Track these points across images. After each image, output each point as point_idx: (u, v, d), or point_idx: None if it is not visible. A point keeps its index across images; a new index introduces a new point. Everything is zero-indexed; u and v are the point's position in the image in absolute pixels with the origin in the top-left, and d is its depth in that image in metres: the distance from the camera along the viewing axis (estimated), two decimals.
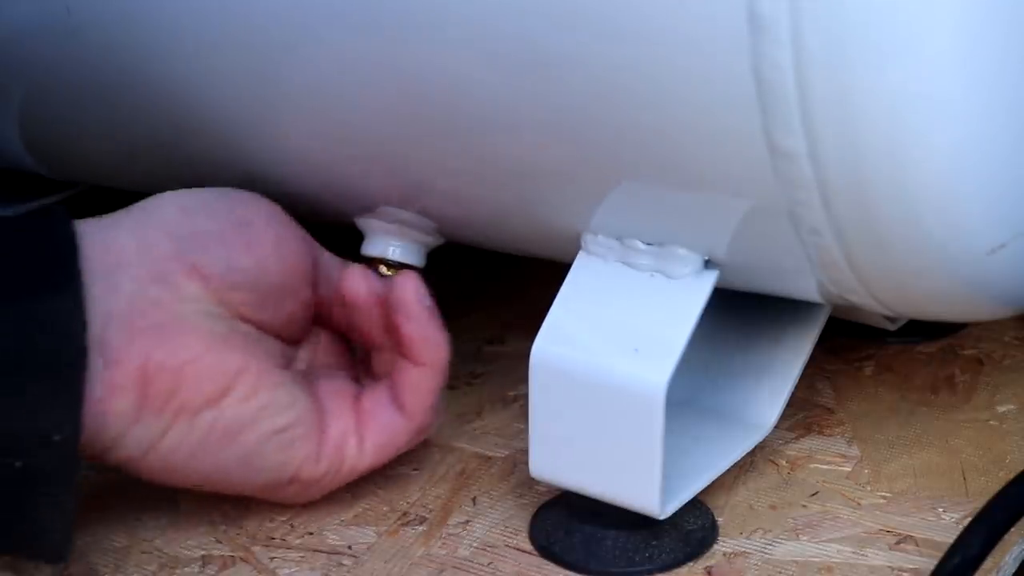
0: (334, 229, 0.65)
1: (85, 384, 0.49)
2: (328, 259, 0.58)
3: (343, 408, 0.57)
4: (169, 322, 0.52)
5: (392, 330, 0.57)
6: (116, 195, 0.75)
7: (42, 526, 0.50)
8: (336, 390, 0.57)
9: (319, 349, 0.59)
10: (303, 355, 0.59)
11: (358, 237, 0.63)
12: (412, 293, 0.56)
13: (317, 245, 0.58)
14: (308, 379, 0.57)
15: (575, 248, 0.55)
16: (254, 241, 0.55)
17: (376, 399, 0.57)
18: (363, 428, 0.57)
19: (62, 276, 0.50)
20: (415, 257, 0.62)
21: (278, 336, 0.56)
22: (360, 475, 0.57)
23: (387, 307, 0.57)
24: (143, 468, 0.53)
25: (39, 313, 0.49)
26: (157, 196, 0.56)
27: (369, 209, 0.61)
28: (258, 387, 0.53)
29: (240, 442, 0.53)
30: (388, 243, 0.62)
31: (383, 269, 0.62)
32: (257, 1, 0.56)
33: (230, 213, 0.55)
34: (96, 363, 0.50)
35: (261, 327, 0.55)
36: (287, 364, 0.57)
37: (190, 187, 0.61)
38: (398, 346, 0.57)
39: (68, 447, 0.48)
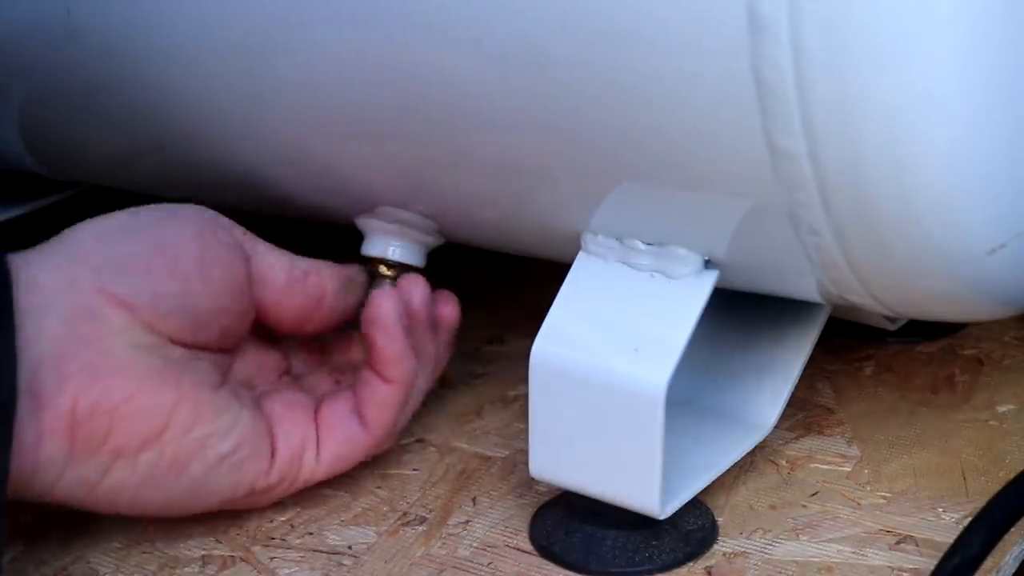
0: (334, 229, 0.65)
1: (14, 430, 0.48)
2: (263, 260, 0.56)
3: (299, 418, 0.56)
4: (99, 362, 0.50)
5: (366, 343, 0.56)
6: (116, 195, 0.75)
7: None
8: (289, 401, 0.57)
9: (263, 357, 0.59)
10: (241, 366, 0.58)
11: (358, 237, 0.63)
12: (390, 312, 0.56)
13: (252, 246, 0.56)
14: (249, 390, 0.57)
15: (575, 248, 0.55)
16: (176, 265, 0.53)
17: (337, 410, 0.57)
18: (322, 438, 0.56)
19: None
20: (415, 257, 0.62)
21: (211, 349, 0.55)
22: (315, 483, 0.57)
23: (362, 319, 0.56)
24: (90, 505, 0.52)
25: None
26: (72, 228, 0.54)
27: (369, 209, 0.61)
28: (196, 419, 0.52)
29: (188, 474, 0.53)
30: (388, 243, 0.62)
31: (383, 269, 0.62)
32: (255, 1, 0.56)
33: (148, 237, 0.54)
34: (25, 408, 0.48)
35: (194, 347, 0.54)
36: (223, 378, 0.55)
37: (190, 187, 0.61)
38: (369, 360, 0.56)
39: None
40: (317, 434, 0.56)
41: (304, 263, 0.58)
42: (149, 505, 0.53)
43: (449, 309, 0.60)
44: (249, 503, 0.56)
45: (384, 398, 0.56)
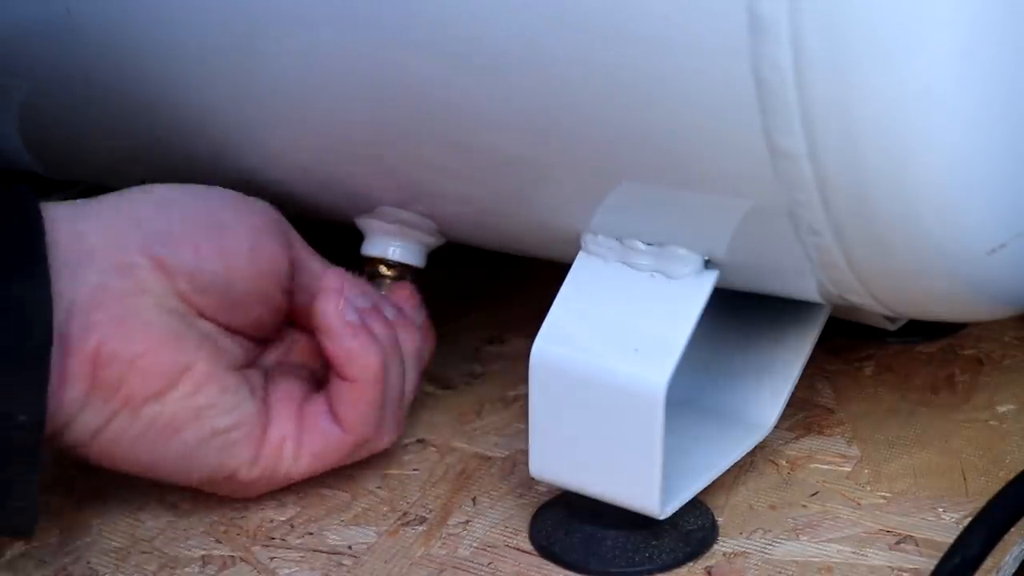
0: (334, 229, 0.65)
1: (48, 374, 0.50)
2: (311, 266, 0.58)
3: (287, 413, 0.56)
4: (126, 314, 0.52)
5: (321, 348, 0.57)
6: None
7: (11, 502, 0.50)
8: (285, 393, 0.57)
9: (295, 349, 0.59)
10: (273, 353, 0.59)
11: (358, 237, 0.63)
12: (330, 313, 0.56)
13: (302, 250, 0.58)
14: (266, 381, 0.57)
15: (575, 248, 0.55)
16: (227, 247, 0.55)
17: (316, 408, 0.57)
18: (302, 436, 0.57)
19: (29, 262, 0.50)
20: (415, 257, 0.62)
21: (244, 335, 0.56)
22: (296, 481, 0.57)
23: (312, 325, 0.57)
24: (88, 454, 0.54)
25: (6, 299, 0.49)
26: (137, 188, 0.56)
27: (369, 209, 0.61)
28: (202, 386, 0.54)
29: (179, 439, 0.54)
30: (388, 243, 0.62)
31: (383, 269, 0.62)
32: (255, 2, 0.56)
33: (207, 214, 0.55)
34: (55, 352, 0.50)
35: (225, 327, 0.55)
36: (249, 363, 0.57)
37: None
38: (327, 362, 0.57)
39: (34, 429, 0.49)
40: (298, 431, 0.57)
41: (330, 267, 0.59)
42: (139, 462, 0.54)
43: (405, 293, 0.61)
44: (228, 487, 0.56)
45: (350, 396, 0.56)
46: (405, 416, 0.59)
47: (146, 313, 0.53)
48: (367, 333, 0.56)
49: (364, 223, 0.62)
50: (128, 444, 0.53)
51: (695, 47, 0.45)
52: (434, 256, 0.63)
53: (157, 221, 0.54)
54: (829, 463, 0.59)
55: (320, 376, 0.59)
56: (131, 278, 0.53)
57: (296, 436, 0.56)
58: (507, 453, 0.61)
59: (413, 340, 0.59)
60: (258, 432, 0.55)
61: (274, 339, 0.59)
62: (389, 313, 0.59)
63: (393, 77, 0.53)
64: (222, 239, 0.55)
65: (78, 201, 0.54)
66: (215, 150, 0.63)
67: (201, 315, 0.54)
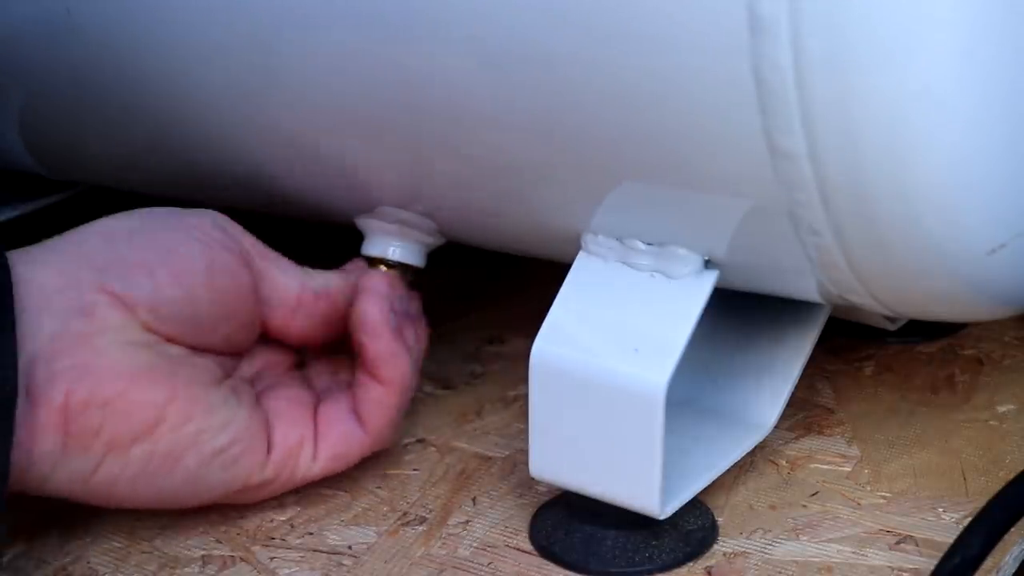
0: (334, 229, 0.65)
1: (14, 427, 0.48)
2: (272, 280, 0.57)
3: (299, 416, 0.56)
4: (91, 358, 0.51)
5: (356, 347, 0.57)
6: (116, 195, 0.75)
7: None
8: (292, 397, 0.57)
9: (269, 355, 0.59)
10: (248, 364, 0.58)
11: (358, 237, 0.63)
12: (375, 315, 0.56)
13: (261, 264, 0.56)
14: (253, 387, 0.57)
15: (575, 248, 0.55)
16: (182, 270, 0.53)
17: (336, 409, 0.57)
18: (320, 437, 0.56)
19: None
20: (415, 257, 0.62)
21: (216, 351, 0.55)
22: (312, 481, 0.57)
23: (350, 324, 0.57)
24: (86, 498, 0.53)
25: None
26: (82, 227, 0.54)
27: (369, 209, 0.61)
28: (190, 414, 0.53)
29: (182, 467, 0.53)
30: (388, 243, 0.62)
31: (383, 269, 0.62)
32: (256, 1, 0.56)
33: (157, 241, 0.54)
34: (20, 404, 0.49)
35: (195, 348, 0.54)
36: (225, 375, 0.56)
37: (190, 186, 0.61)
38: (362, 363, 0.57)
39: None
40: (315, 432, 0.56)
41: (315, 282, 0.58)
42: (144, 498, 0.54)
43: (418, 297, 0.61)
44: (245, 498, 0.56)
45: (380, 398, 0.56)
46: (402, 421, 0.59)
47: (111, 353, 0.51)
48: (403, 336, 0.56)
49: (364, 223, 0.62)
50: (127, 484, 0.52)
51: (695, 47, 0.45)
52: (434, 256, 0.63)
53: (107, 255, 0.53)
54: (829, 463, 0.59)
55: (311, 379, 0.59)
56: (90, 318, 0.51)
57: (314, 438, 0.56)
58: (507, 453, 0.61)
59: (420, 341, 0.59)
60: (259, 439, 0.55)
61: (245, 351, 0.58)
62: (413, 314, 0.59)
63: (394, 76, 0.53)
64: (176, 262, 0.53)
65: (31, 248, 0.53)
66: (215, 150, 0.63)
67: (169, 340, 0.53)
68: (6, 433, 0.48)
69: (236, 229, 0.56)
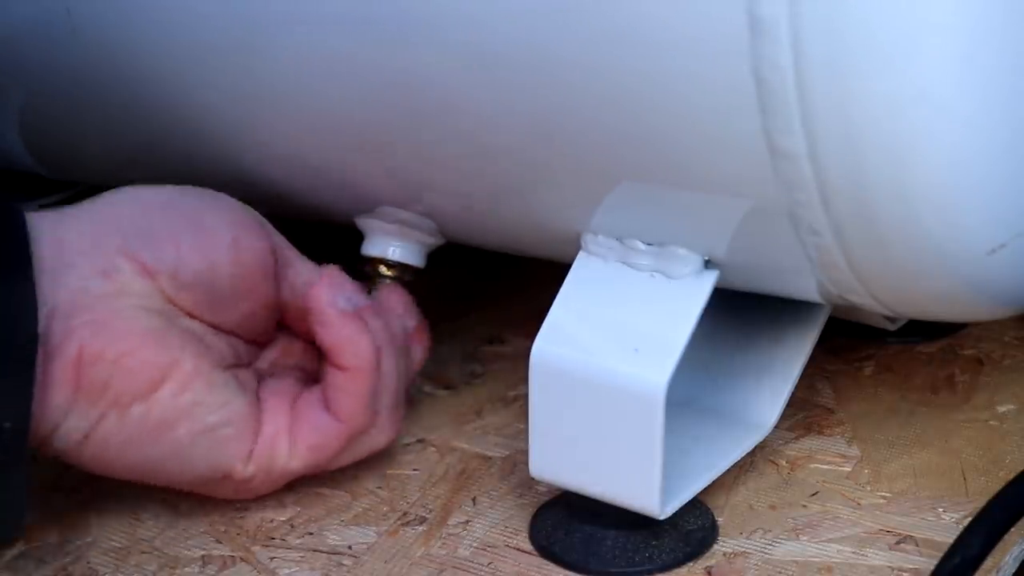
0: (334, 229, 0.65)
1: (35, 375, 0.50)
2: (295, 262, 0.58)
3: (280, 408, 0.56)
4: (107, 317, 0.52)
5: (314, 338, 0.57)
6: None
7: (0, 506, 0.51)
8: (278, 390, 0.57)
9: (290, 350, 0.59)
10: (268, 356, 0.59)
11: (358, 237, 0.63)
12: (324, 300, 0.56)
13: (287, 249, 0.57)
14: (259, 380, 0.57)
15: (575, 248, 0.55)
16: (208, 243, 0.55)
17: (309, 401, 0.57)
18: (296, 429, 0.56)
19: (13, 269, 0.50)
20: (415, 257, 0.62)
21: (235, 335, 0.56)
22: (294, 476, 0.57)
23: (306, 315, 0.57)
24: (77, 459, 0.53)
25: None
26: (115, 191, 0.56)
27: (369, 209, 0.61)
28: (189, 384, 0.53)
29: (170, 437, 0.53)
30: (388, 243, 0.62)
31: (383, 269, 0.62)
32: (255, 1, 0.56)
33: (186, 212, 0.55)
34: (40, 356, 0.50)
35: (213, 326, 0.55)
36: (240, 363, 0.56)
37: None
38: (323, 353, 0.57)
39: (19, 435, 0.49)
40: (291, 426, 0.56)
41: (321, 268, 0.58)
42: (130, 466, 0.54)
43: (397, 296, 0.61)
44: (226, 488, 0.56)
45: (344, 385, 0.56)
46: (402, 416, 0.59)
47: (128, 314, 0.53)
48: (359, 321, 0.56)
49: (364, 223, 0.62)
50: (119, 446, 0.53)
51: (695, 48, 0.45)
52: (434, 256, 0.63)
53: (136, 222, 0.54)
54: (829, 463, 0.59)
55: (315, 375, 0.59)
56: (112, 281, 0.53)
57: (289, 429, 0.56)
58: (507, 453, 0.61)
59: (405, 339, 0.59)
60: (251, 430, 0.55)
61: (268, 342, 0.59)
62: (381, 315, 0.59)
63: (394, 77, 0.53)
64: (202, 235, 0.55)
65: (60, 209, 0.54)
66: (215, 150, 0.63)
67: (187, 314, 0.54)
68: (28, 382, 0.49)
69: (263, 220, 0.58)
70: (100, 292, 0.52)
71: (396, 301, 0.61)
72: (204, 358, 0.54)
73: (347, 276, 0.58)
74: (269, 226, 0.57)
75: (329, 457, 0.57)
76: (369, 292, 0.60)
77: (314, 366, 0.60)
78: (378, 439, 0.58)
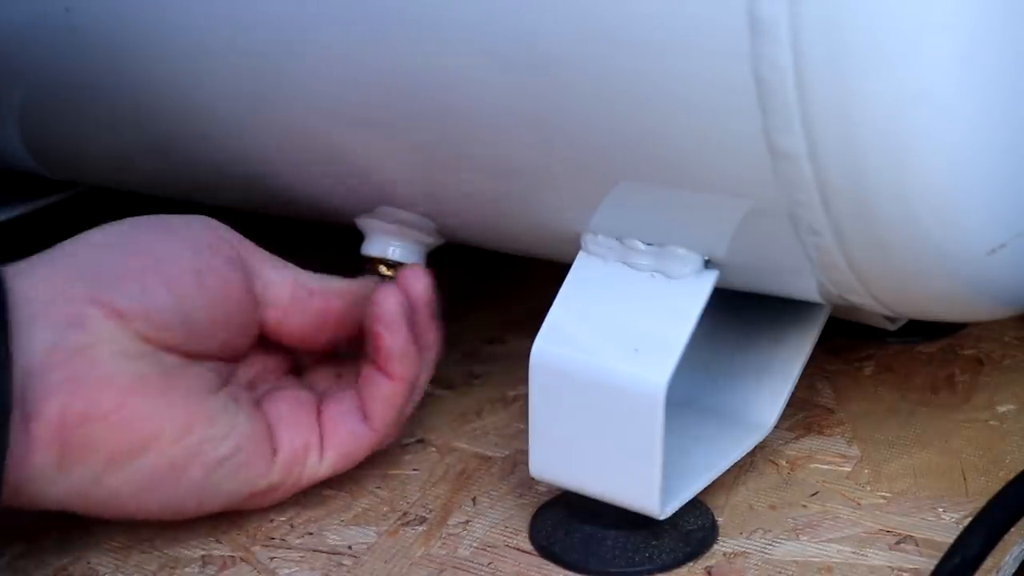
0: (334, 229, 0.65)
1: (8, 440, 0.48)
2: (266, 278, 0.56)
3: (303, 419, 0.56)
4: (86, 371, 0.50)
5: (370, 340, 0.56)
6: (116, 195, 0.75)
7: None
8: (293, 399, 0.57)
9: (269, 360, 0.59)
10: (245, 370, 0.58)
11: (358, 237, 0.63)
12: (395, 304, 0.56)
13: (255, 263, 0.56)
14: (252, 392, 0.57)
15: (575, 248, 0.55)
16: (173, 278, 0.53)
17: (341, 409, 0.57)
18: (326, 437, 0.56)
19: None
20: (415, 257, 0.62)
21: (213, 358, 0.55)
22: (319, 481, 0.57)
23: (367, 315, 0.56)
24: (88, 510, 0.52)
25: None
26: (71, 240, 0.54)
27: (369, 209, 0.61)
28: (190, 425, 0.52)
29: (187, 478, 0.53)
30: (388, 243, 0.62)
31: (383, 269, 0.62)
32: (257, 0, 0.56)
33: (145, 250, 0.54)
34: (15, 419, 0.48)
35: (191, 356, 0.54)
36: (224, 382, 0.55)
37: (190, 187, 0.61)
38: (374, 356, 0.56)
39: None
40: (321, 433, 0.56)
41: (311, 281, 0.57)
42: (150, 509, 0.53)
43: (421, 285, 0.59)
44: (253, 504, 0.56)
45: (389, 395, 0.56)
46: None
47: (106, 365, 0.51)
48: (417, 337, 0.56)
49: (364, 223, 0.62)
50: (131, 496, 0.52)
51: (695, 48, 0.45)
52: (434, 256, 0.63)
53: (97, 265, 0.53)
54: (829, 463, 0.59)
55: (304, 381, 0.59)
56: (84, 330, 0.51)
57: (320, 439, 0.56)
58: (507, 453, 0.61)
59: (434, 347, 0.59)
60: (263, 445, 0.55)
61: (242, 355, 0.58)
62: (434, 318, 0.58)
63: (393, 78, 0.53)
64: (165, 271, 0.53)
65: (20, 262, 0.52)
66: (215, 150, 0.63)
67: (164, 349, 0.52)
68: (1, 446, 0.48)
69: (226, 230, 0.56)
70: (74, 344, 0.50)
71: (427, 313, 0.59)
72: (194, 391, 0.53)
73: (426, 278, 0.57)
74: (234, 236, 0.56)
75: (355, 463, 0.57)
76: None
77: (294, 372, 0.60)
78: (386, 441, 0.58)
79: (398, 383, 0.56)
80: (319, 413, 0.57)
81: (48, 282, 0.51)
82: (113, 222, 0.55)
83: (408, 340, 0.56)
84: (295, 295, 0.57)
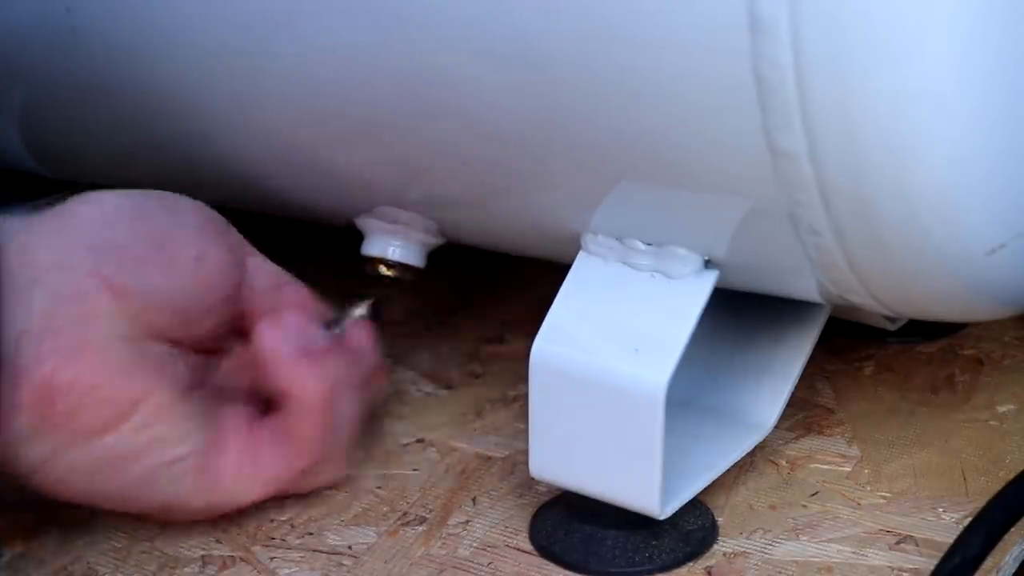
0: (334, 229, 0.65)
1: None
2: (261, 271, 0.57)
3: (236, 441, 0.55)
4: (79, 344, 0.51)
5: (264, 378, 0.56)
6: None
7: None
8: (233, 420, 0.56)
9: (239, 360, 0.58)
10: (220, 368, 0.58)
11: (358, 237, 0.63)
12: (271, 341, 0.55)
13: (250, 254, 0.57)
14: (217, 400, 0.56)
15: (575, 248, 0.55)
16: (174, 260, 0.53)
17: (265, 434, 0.56)
18: (251, 462, 0.55)
19: None
20: (415, 257, 0.62)
21: (195, 349, 0.55)
22: (245, 506, 0.56)
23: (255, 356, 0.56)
24: (37, 483, 0.52)
25: None
26: (79, 199, 0.54)
27: (369, 209, 0.61)
28: (155, 418, 0.52)
29: (131, 470, 0.53)
30: (388, 243, 0.62)
31: (383, 269, 0.62)
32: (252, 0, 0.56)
33: (151, 227, 0.54)
34: (4, 378, 0.49)
35: (175, 344, 0.54)
36: (202, 379, 0.55)
37: (190, 186, 0.61)
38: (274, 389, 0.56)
39: None
40: (248, 458, 0.55)
41: (287, 276, 0.58)
42: (98, 492, 0.53)
43: (362, 333, 0.59)
44: (184, 515, 0.56)
45: (298, 420, 0.55)
46: (356, 454, 0.59)
47: (100, 343, 0.51)
48: (309, 360, 0.55)
49: (364, 223, 0.62)
50: (86, 475, 0.52)
51: (695, 46, 0.45)
52: (434, 256, 0.63)
53: (104, 238, 0.53)
54: (829, 463, 0.59)
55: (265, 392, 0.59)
56: (82, 303, 0.51)
57: (243, 464, 0.55)
58: (507, 453, 0.61)
59: (366, 377, 0.58)
60: (208, 460, 0.54)
61: (222, 349, 0.57)
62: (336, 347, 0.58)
63: (392, 77, 0.53)
64: (168, 253, 0.53)
65: (25, 217, 0.53)
66: (215, 150, 0.63)
67: (153, 335, 0.53)
68: None
69: (224, 222, 0.57)
70: (71, 315, 0.51)
71: (360, 338, 0.59)
72: (172, 386, 0.53)
73: (311, 308, 0.57)
74: (232, 231, 0.57)
75: (283, 489, 0.57)
76: (337, 322, 0.59)
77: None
78: (327, 475, 0.58)
79: (304, 412, 0.55)
80: (251, 433, 0.56)
81: (53, 246, 0.52)
82: (123, 190, 0.55)
83: (299, 371, 0.55)
84: (281, 286, 0.57)
